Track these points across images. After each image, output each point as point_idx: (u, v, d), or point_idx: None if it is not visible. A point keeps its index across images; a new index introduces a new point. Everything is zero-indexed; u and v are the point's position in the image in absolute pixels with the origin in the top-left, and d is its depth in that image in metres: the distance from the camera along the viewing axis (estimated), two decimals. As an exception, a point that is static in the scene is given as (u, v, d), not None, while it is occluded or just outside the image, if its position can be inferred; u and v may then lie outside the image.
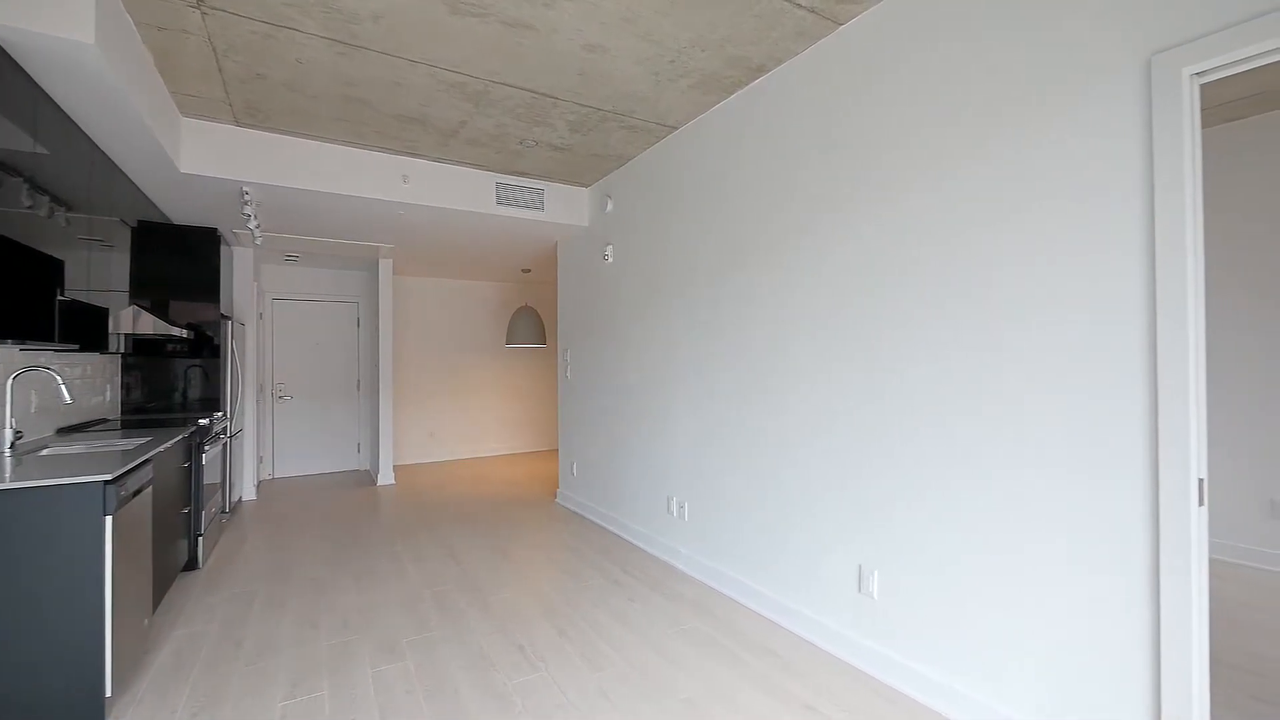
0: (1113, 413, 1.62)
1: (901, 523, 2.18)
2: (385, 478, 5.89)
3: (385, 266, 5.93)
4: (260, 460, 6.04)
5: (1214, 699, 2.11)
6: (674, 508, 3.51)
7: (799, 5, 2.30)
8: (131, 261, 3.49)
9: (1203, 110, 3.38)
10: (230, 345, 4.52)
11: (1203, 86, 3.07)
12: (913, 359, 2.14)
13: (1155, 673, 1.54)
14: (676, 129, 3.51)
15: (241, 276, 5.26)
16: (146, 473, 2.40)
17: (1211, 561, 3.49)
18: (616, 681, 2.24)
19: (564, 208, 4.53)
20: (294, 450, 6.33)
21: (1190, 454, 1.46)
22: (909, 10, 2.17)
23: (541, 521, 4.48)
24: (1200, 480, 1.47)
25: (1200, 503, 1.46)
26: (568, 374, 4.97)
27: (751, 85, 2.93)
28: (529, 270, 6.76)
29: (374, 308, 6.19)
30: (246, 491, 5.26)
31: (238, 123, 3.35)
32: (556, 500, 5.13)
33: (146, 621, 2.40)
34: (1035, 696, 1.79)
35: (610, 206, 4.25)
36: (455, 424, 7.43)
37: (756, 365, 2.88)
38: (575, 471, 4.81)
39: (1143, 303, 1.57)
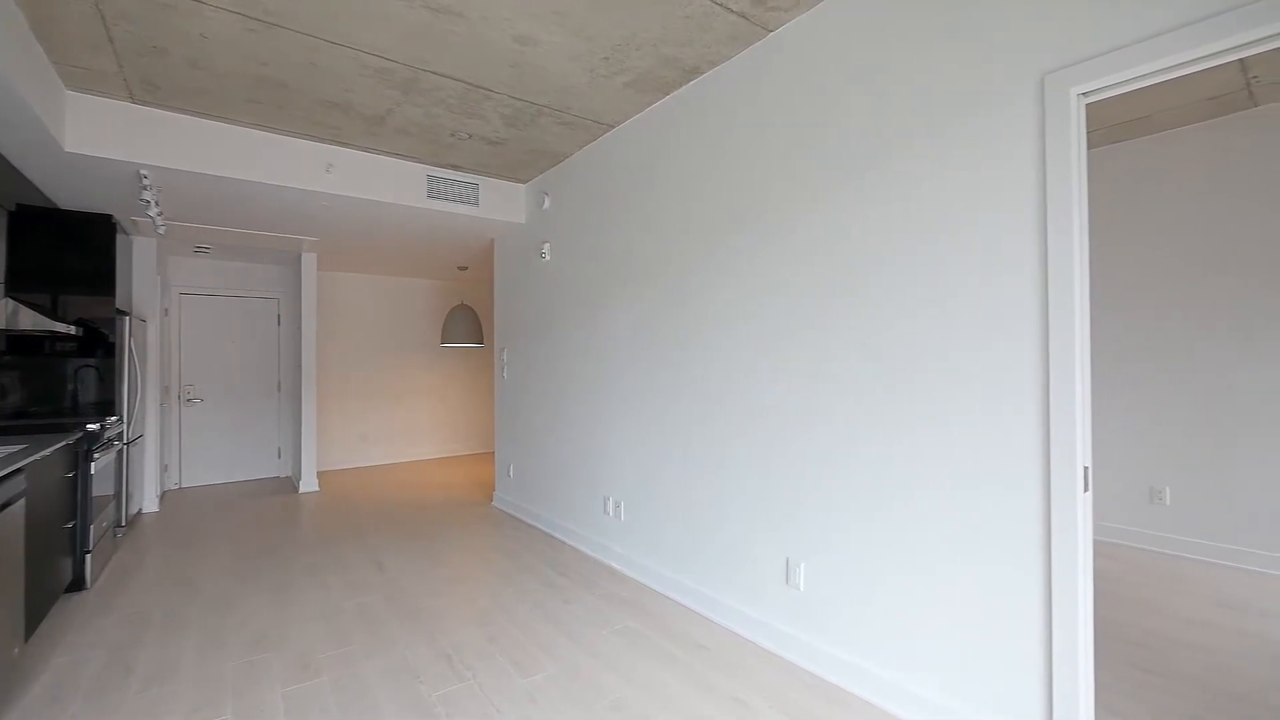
0: (1014, 410, 1.73)
1: (825, 516, 2.25)
2: (308, 484, 5.57)
3: (309, 261, 5.61)
4: (165, 469, 5.57)
5: (1101, 670, 2.30)
6: (610, 508, 3.49)
7: (729, 9, 2.34)
8: (8, 250, 3.13)
9: (1096, 130, 3.69)
10: (128, 343, 4.14)
11: (1090, 106, 3.36)
12: (834, 359, 2.22)
13: (1048, 645, 1.65)
14: (613, 127, 3.49)
15: (143, 269, 4.83)
16: (16, 484, 2.15)
17: (1101, 544, 3.82)
18: (547, 686, 2.19)
19: (500, 204, 4.43)
20: (205, 457, 5.87)
21: (1076, 445, 1.58)
22: (831, 23, 2.25)
23: (477, 526, 4.35)
24: (1085, 468, 1.59)
25: (1085, 489, 1.59)
26: (505, 374, 4.86)
27: (687, 86, 2.96)
28: (466, 268, 6.57)
29: (297, 304, 5.84)
30: (147, 503, 4.83)
31: (134, 100, 3.07)
32: (493, 503, 5.01)
33: (17, 650, 2.15)
34: (946, 675, 1.88)
35: (548, 204, 4.18)
36: (388, 426, 7.12)
37: (692, 366, 2.90)
38: (512, 474, 4.71)
39: (1037, 305, 1.69)
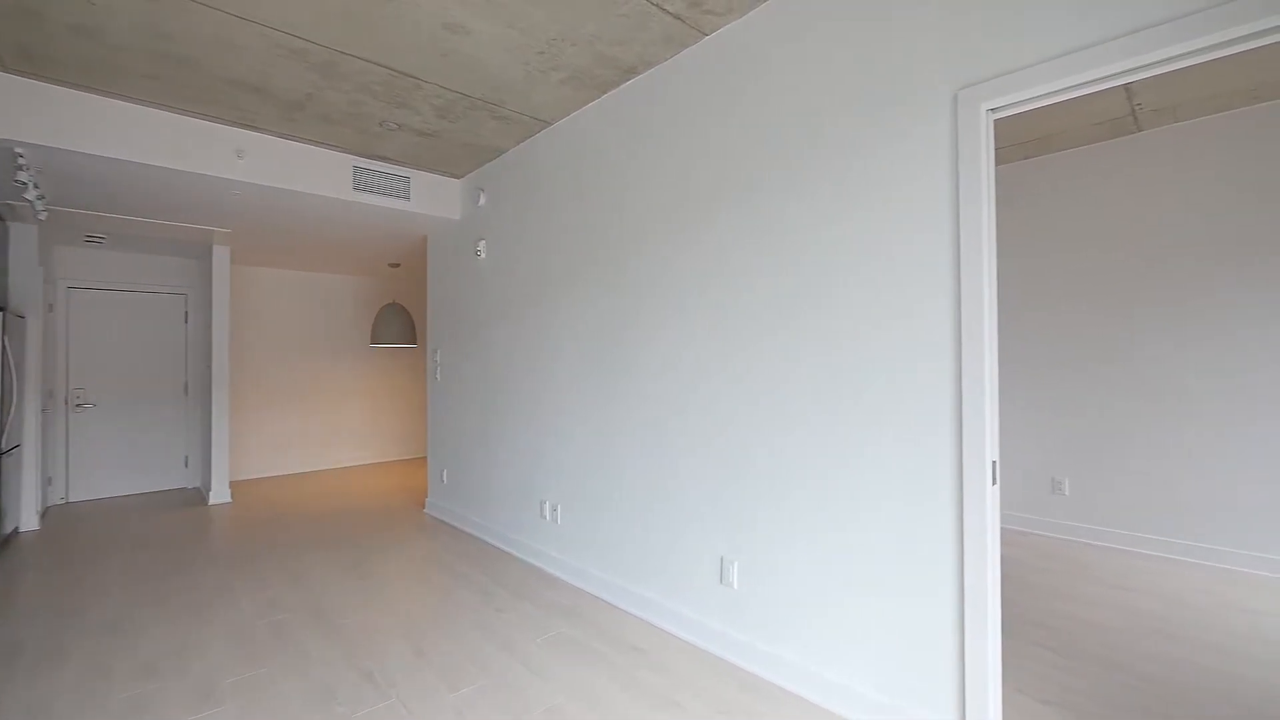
0: (932, 412, 1.81)
1: (758, 514, 2.29)
2: (219, 495, 5.16)
3: (221, 254, 5.21)
4: (49, 481, 5.01)
5: (1009, 652, 2.45)
6: (547, 512, 3.42)
7: (665, 10, 2.34)
8: None
9: (1009, 146, 3.96)
10: (3, 342, 3.69)
11: (1000, 122, 3.60)
12: (765, 360, 2.25)
13: (960, 631, 1.74)
14: (551, 124, 3.43)
15: (21, 259, 4.33)
16: None
17: (1008, 531, 4.10)
18: (476, 699, 2.11)
19: (433, 199, 4.26)
20: (99, 468, 5.33)
21: (985, 442, 1.67)
22: (763, 31, 2.29)
23: (407, 534, 4.16)
24: (993, 462, 1.68)
25: (993, 482, 1.68)
26: (438, 375, 4.68)
27: (625, 86, 2.95)
28: (397, 265, 6.30)
29: (207, 300, 5.41)
30: (25, 520, 4.32)
31: (5, 68, 2.74)
32: (425, 511, 4.81)
33: None
34: (870, 665, 1.95)
35: (483, 200, 4.06)
36: (313, 431, 6.71)
37: (630, 366, 2.89)
38: (445, 479, 4.54)
39: (951, 319, 1.77)
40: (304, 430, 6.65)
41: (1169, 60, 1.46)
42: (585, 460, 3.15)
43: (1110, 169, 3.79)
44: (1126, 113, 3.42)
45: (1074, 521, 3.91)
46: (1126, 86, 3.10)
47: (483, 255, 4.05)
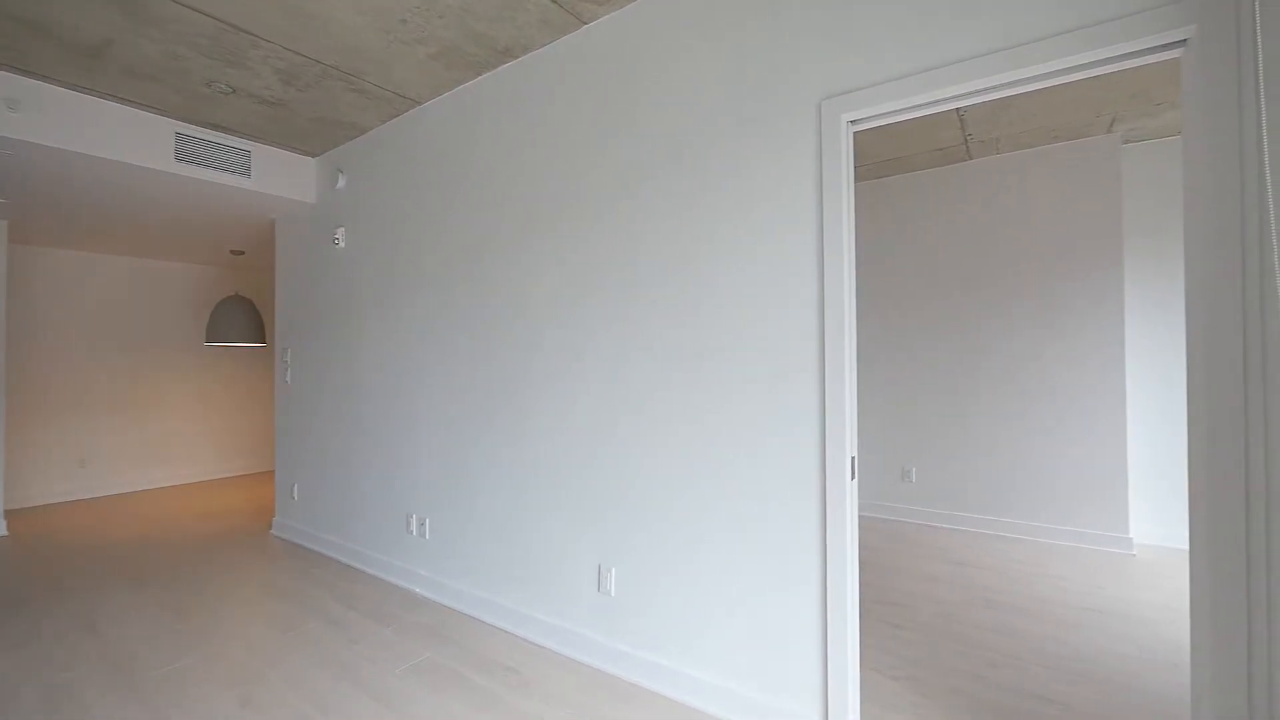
0: (799, 416, 1.86)
1: (636, 519, 2.24)
2: (-10, 528, 4.17)
3: (-6, 230, 4.22)
4: None
5: (863, 629, 2.62)
6: (415, 526, 3.13)
7: (541, -9, 2.22)
8: None
9: (866, 165, 4.31)
10: None
11: (859, 142, 3.90)
12: (640, 367, 2.21)
13: (824, 619, 1.80)
14: (420, 104, 3.16)
15: None
16: None
17: (866, 519, 4.46)
18: (317, 749, 1.84)
19: (282, 178, 3.76)
20: None
21: (845, 438, 1.75)
22: (641, 25, 2.25)
23: (247, 561, 3.62)
24: (852, 458, 1.76)
25: (852, 476, 1.76)
26: (288, 378, 4.15)
27: (501, 69, 2.78)
28: (241, 252, 5.53)
29: (-26, 287, 4.35)
30: None
31: None
32: (272, 532, 4.23)
33: None
34: (749, 661, 1.96)
35: (342, 182, 3.66)
36: (129, 445, 5.68)
37: (505, 367, 2.72)
38: (296, 495, 4.03)
39: (816, 321, 1.84)
40: (118, 444, 5.61)
41: (997, 88, 1.61)
42: (458, 468, 2.92)
43: (948, 189, 4.26)
44: (960, 142, 3.86)
45: (920, 506, 4.34)
46: (960, 119, 3.49)
47: (342, 244, 3.64)
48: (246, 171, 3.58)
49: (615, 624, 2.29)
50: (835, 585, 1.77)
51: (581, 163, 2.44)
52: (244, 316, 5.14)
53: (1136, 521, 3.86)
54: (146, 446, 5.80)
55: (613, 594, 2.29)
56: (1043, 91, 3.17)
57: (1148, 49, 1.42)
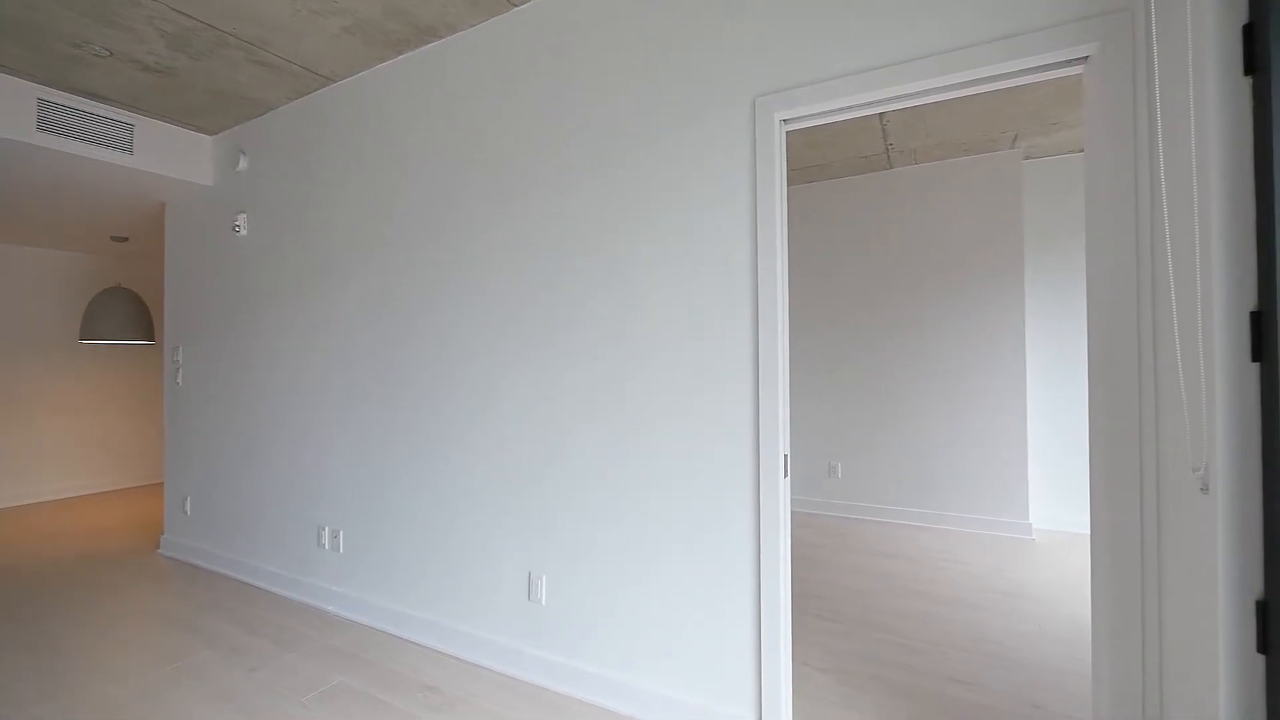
0: (735, 417, 1.84)
1: (567, 525, 2.15)
2: None
3: None
4: None
5: (794, 623, 2.67)
6: (327, 539, 2.89)
7: (467, -34, 2.10)
8: None
9: (795, 169, 4.43)
10: None
11: (790, 147, 4.00)
12: (574, 367, 2.14)
13: (758, 618, 1.79)
14: (334, 81, 2.92)
15: None
16: None
17: (795, 514, 4.59)
18: (205, 796, 1.63)
19: (173, 156, 3.38)
20: None
21: (778, 435, 1.75)
22: (575, 11, 2.18)
23: (129, 585, 3.22)
24: (785, 455, 1.77)
25: (785, 474, 1.76)
26: (180, 379, 3.74)
27: (424, 48, 2.61)
28: (125, 238, 4.95)
29: None
30: None
31: None
32: (160, 551, 3.80)
33: None
34: (684, 666, 1.93)
35: (244, 164, 3.33)
36: (-20, 458, 4.94)
37: (425, 365, 2.55)
38: (189, 509, 3.63)
39: (750, 314, 1.83)
40: (-34, 456, 4.86)
41: (923, 93, 1.66)
42: (375, 474, 2.72)
43: (870, 196, 4.46)
44: (882, 151, 4.04)
45: (845, 500, 4.51)
46: (883, 128, 3.65)
47: (243, 231, 3.32)
48: (128, 147, 3.19)
49: (547, 634, 2.19)
50: (769, 584, 1.77)
51: (508, 153, 2.33)
52: (127, 310, 4.58)
53: (1035, 508, 4.19)
54: (8, 458, 5.07)
55: (544, 603, 2.19)
56: (954, 107, 3.36)
57: (1054, 63, 1.51)
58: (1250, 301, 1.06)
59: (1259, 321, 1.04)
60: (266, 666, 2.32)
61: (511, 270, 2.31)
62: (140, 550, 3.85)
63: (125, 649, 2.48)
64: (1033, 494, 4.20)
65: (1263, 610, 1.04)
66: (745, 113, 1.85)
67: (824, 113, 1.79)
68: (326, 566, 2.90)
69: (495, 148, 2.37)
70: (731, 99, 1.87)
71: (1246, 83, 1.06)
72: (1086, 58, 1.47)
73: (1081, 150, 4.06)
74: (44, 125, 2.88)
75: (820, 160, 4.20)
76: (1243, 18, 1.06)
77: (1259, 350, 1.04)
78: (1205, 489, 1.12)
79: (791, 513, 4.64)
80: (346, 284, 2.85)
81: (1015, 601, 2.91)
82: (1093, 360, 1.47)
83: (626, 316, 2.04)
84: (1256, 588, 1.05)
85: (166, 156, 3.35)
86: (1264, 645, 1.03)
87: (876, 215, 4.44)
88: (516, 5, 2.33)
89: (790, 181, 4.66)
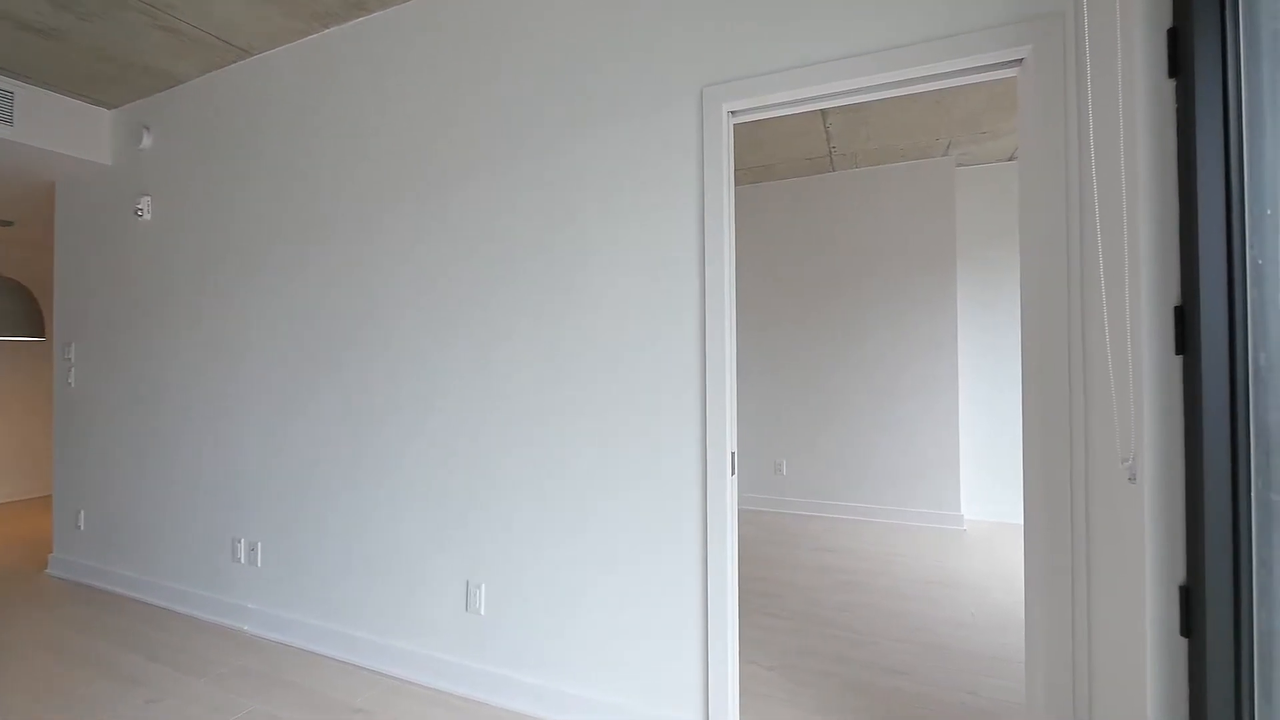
0: (682, 404, 1.80)
1: (507, 530, 2.05)
2: None
3: None
4: None
5: (740, 621, 2.66)
6: (244, 553, 2.65)
7: (399, -66, 1.96)
8: None
9: (738, 170, 4.46)
10: None
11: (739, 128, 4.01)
12: (510, 355, 2.04)
13: (705, 619, 1.75)
14: (253, 54, 2.69)
15: None
16: None
17: (741, 512, 4.62)
18: None
19: (63, 130, 3.03)
20: None
21: (725, 432, 1.72)
22: (519, -12, 2.08)
23: (12, 609, 2.85)
24: (732, 453, 1.73)
25: (732, 472, 1.73)
26: (72, 380, 3.37)
27: (354, 22, 2.43)
28: (9, 222, 4.42)
29: None
30: None
31: None
32: (48, 571, 3.40)
33: None
34: (633, 672, 1.86)
35: (149, 141, 3.02)
36: None
37: (354, 362, 2.38)
38: (83, 523, 3.27)
39: (697, 308, 1.79)
40: None
41: (868, 89, 1.66)
42: (297, 481, 2.51)
43: (812, 198, 4.55)
44: (825, 154, 4.13)
45: (791, 497, 4.58)
46: (826, 130, 3.72)
47: (147, 216, 3.01)
48: (8, 118, 2.82)
49: (487, 646, 2.08)
50: (715, 585, 1.73)
51: (439, 137, 2.20)
52: (12, 303, 4.09)
53: (965, 499, 4.38)
54: None
55: (483, 613, 2.08)
56: (893, 113, 3.46)
57: (990, 65, 1.54)
58: (1174, 297, 1.09)
59: (1182, 316, 1.08)
60: (170, 696, 2.09)
61: (449, 258, 2.18)
62: (24, 571, 3.43)
63: (4, 683, 2.18)
64: (963, 486, 4.39)
65: (1185, 595, 1.07)
66: (693, 104, 1.81)
67: (771, 105, 1.77)
68: (244, 583, 2.66)
69: (423, 130, 2.23)
70: (678, 87, 1.83)
71: (1171, 85, 1.09)
72: (1021, 60, 1.51)
73: (1011, 159, 4.28)
74: (-102, 87, 2.51)
75: (765, 161, 4.25)
76: (1167, 21, 1.09)
77: (1182, 344, 1.08)
78: (1133, 479, 1.15)
79: (739, 510, 4.68)
80: (265, 274, 2.63)
81: (949, 591, 3.01)
82: (1026, 356, 1.51)
83: (569, 304, 1.96)
84: (1180, 574, 1.09)
85: (55, 130, 3.00)
86: (1187, 629, 1.07)
87: (819, 217, 4.53)
88: (454, -19, 2.20)
89: (736, 182, 4.69)
